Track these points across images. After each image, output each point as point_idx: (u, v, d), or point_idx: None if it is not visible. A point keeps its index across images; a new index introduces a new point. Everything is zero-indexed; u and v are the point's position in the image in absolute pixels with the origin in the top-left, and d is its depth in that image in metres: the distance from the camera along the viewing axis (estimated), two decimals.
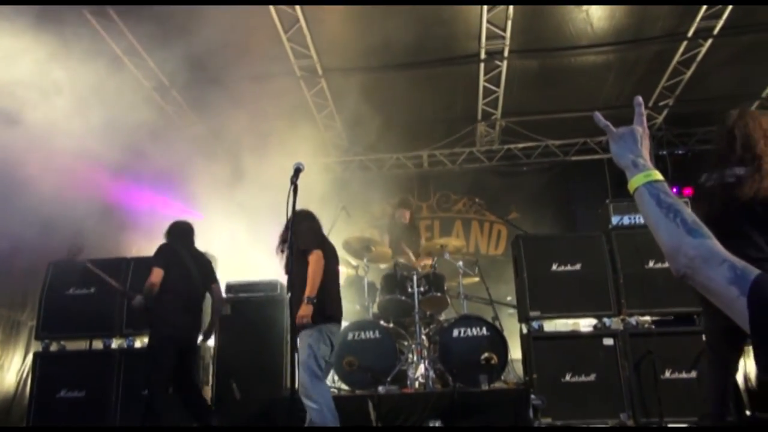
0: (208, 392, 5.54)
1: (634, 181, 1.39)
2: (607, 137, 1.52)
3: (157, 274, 4.56)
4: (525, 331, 5.42)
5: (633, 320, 5.25)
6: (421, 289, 5.77)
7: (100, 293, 5.66)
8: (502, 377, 5.23)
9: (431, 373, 5.37)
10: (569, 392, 5.08)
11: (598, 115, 1.57)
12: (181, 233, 4.99)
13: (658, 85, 7.77)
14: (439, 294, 5.79)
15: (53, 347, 5.73)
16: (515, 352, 5.72)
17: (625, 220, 5.60)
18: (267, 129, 7.31)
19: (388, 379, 5.23)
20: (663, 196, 1.31)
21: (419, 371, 5.51)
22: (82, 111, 5.18)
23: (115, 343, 5.66)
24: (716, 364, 3.39)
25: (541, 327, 5.35)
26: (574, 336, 5.42)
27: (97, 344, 5.71)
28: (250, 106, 7.13)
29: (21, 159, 4.71)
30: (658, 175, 1.37)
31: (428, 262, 6.42)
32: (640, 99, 1.52)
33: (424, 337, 5.64)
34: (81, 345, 5.84)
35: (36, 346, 5.81)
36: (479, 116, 8.39)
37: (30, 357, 6.00)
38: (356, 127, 8.40)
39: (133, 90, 6.56)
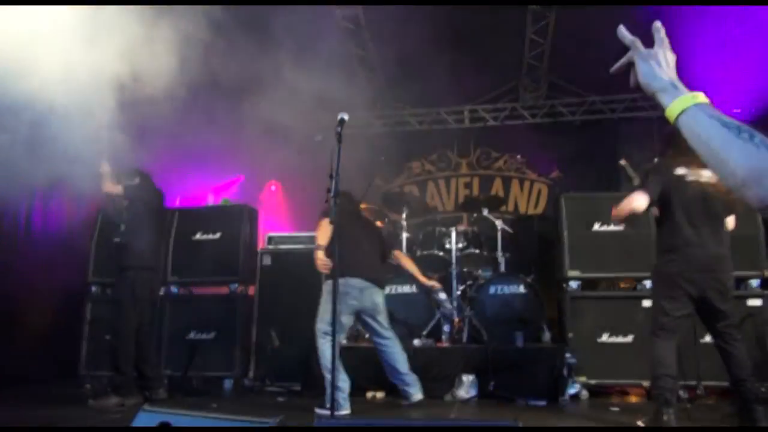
0: (249, 339, 5.72)
1: (680, 103, 1.19)
2: (632, 56, 1.32)
3: None
4: (562, 290, 5.39)
5: None
6: (459, 245, 5.77)
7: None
8: (538, 335, 5.23)
9: (466, 329, 5.41)
10: (605, 352, 5.07)
11: (623, 30, 1.36)
12: None
13: None
14: (477, 251, 5.78)
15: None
16: (552, 311, 5.71)
17: None
18: (306, 82, 7.27)
19: (424, 333, 5.31)
20: (725, 117, 1.12)
21: (455, 327, 5.55)
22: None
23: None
24: None
25: (579, 286, 5.31)
26: (613, 297, 5.37)
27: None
28: (289, 58, 7.08)
29: None
30: (706, 99, 1.18)
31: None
32: (658, 24, 1.32)
33: (460, 293, 5.66)
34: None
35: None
36: (524, 70, 8.15)
37: None
38: (396, 81, 8.27)
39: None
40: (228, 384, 5.53)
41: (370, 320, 4.38)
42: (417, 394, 4.38)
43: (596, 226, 5.41)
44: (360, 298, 4.23)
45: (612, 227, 5.37)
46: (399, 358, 4.42)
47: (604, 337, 5.11)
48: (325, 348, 4.03)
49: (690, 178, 3.57)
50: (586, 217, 5.46)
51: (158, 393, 4.69)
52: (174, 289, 5.85)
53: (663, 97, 1.23)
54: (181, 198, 7.03)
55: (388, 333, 4.45)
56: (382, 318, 4.41)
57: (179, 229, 5.95)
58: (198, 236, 5.91)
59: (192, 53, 4.14)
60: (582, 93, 8.46)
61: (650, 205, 3.56)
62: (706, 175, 3.52)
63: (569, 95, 8.52)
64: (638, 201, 3.51)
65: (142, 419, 1.84)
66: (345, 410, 4.01)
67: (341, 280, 3.83)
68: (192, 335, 5.61)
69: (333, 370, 3.56)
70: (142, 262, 4.66)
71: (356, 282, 4.20)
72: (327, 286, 4.14)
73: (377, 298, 4.37)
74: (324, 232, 4.06)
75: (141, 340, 4.68)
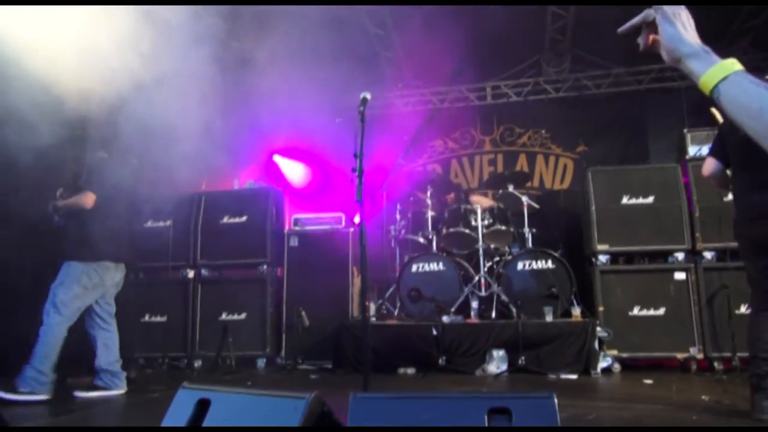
0: (279, 319, 5.79)
1: (719, 70, 1.10)
2: (650, 15, 1.21)
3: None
4: (591, 264, 5.34)
5: (709, 255, 5.07)
6: (485, 222, 5.75)
7: (177, 225, 5.95)
8: (567, 310, 5.20)
9: (495, 305, 5.41)
10: (637, 326, 5.03)
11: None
12: None
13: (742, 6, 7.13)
14: (503, 227, 5.75)
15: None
16: (580, 286, 5.67)
17: (704, 151, 5.30)
18: (325, 62, 7.23)
19: (452, 309, 5.32)
20: None
21: (483, 303, 5.55)
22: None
23: (190, 272, 5.96)
24: None
25: (608, 260, 5.27)
26: (643, 270, 5.30)
27: (174, 273, 6.01)
28: (308, 40, 7.04)
29: None
30: (741, 66, 1.10)
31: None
32: None
33: (487, 269, 5.65)
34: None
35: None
36: (547, 44, 8.00)
37: None
38: (417, 60, 8.19)
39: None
40: (261, 363, 5.64)
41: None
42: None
43: (624, 200, 5.34)
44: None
45: (641, 200, 5.30)
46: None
47: (635, 311, 5.07)
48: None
49: None
50: (614, 190, 5.40)
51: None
52: (204, 272, 5.94)
53: (694, 63, 1.13)
54: (207, 183, 7.09)
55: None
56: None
57: (206, 213, 6.03)
58: (225, 220, 5.99)
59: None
60: (607, 65, 8.28)
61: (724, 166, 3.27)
62: None
63: (594, 68, 8.34)
64: (704, 167, 3.36)
65: (182, 396, 1.87)
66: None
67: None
68: (224, 316, 5.71)
69: None
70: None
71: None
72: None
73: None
74: None
75: None
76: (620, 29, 1.28)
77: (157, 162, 6.04)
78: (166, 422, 1.80)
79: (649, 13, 1.21)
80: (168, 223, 6.02)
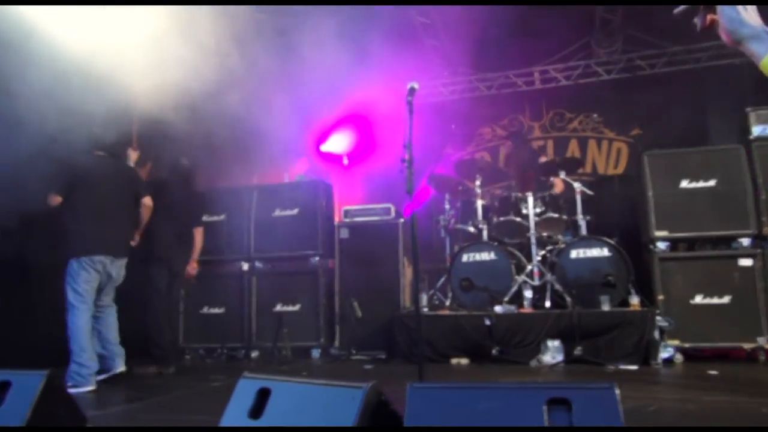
0: (332, 310, 5.87)
1: None
2: None
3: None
4: (650, 251, 5.17)
5: None
6: (537, 210, 5.65)
7: (231, 219, 6.10)
8: (625, 299, 5.06)
9: (549, 294, 5.31)
10: (699, 315, 4.85)
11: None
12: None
13: None
14: (555, 215, 5.63)
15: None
16: (638, 274, 5.50)
17: None
18: (371, 52, 7.23)
19: (505, 299, 5.26)
20: None
21: (536, 292, 5.46)
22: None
23: (245, 265, 6.10)
24: None
25: (668, 247, 5.09)
26: (706, 257, 5.09)
27: (231, 266, 6.19)
28: (352, 31, 7.04)
29: None
30: None
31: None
32: None
33: (540, 258, 5.55)
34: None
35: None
36: (597, 24, 7.75)
37: None
38: (463, 46, 8.08)
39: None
40: (315, 353, 5.74)
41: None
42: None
43: (684, 183, 5.14)
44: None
45: (702, 183, 5.08)
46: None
47: (698, 299, 4.88)
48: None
49: None
50: (672, 174, 5.19)
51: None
52: (258, 264, 6.08)
53: (755, 45, 1.10)
54: (259, 176, 7.24)
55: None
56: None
57: (259, 206, 6.16)
58: (277, 213, 6.09)
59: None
60: (661, 44, 7.96)
61: None
62: None
63: (647, 47, 8.04)
64: None
65: (244, 385, 1.92)
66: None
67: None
68: (278, 307, 5.84)
69: None
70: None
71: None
72: None
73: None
74: None
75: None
76: (675, 11, 1.25)
77: (212, 158, 6.25)
78: (229, 410, 1.86)
79: None
80: (222, 217, 6.18)
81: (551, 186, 6.13)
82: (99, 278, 4.38)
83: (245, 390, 1.89)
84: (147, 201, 4.77)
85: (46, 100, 3.78)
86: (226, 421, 1.85)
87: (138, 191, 4.75)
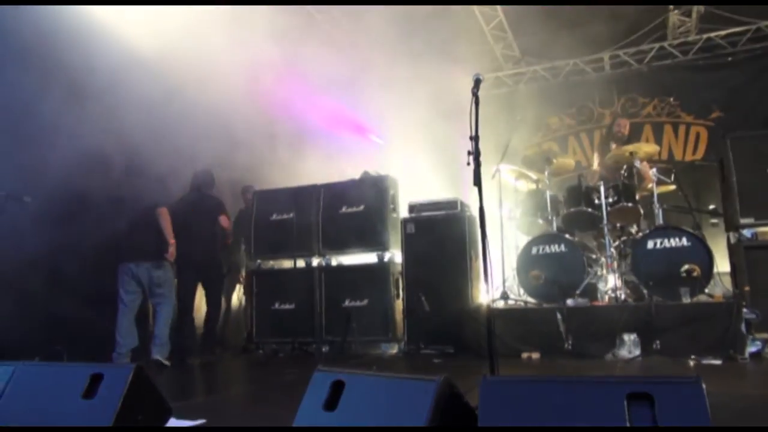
0: (399, 305, 5.90)
1: None
2: None
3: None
4: (734, 240, 4.88)
5: None
6: (610, 200, 5.45)
7: (299, 217, 6.25)
8: (707, 290, 4.81)
9: (623, 287, 5.13)
10: None
11: None
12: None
13: None
14: (629, 204, 5.41)
15: (265, 266, 6.47)
16: (721, 264, 5.21)
17: None
18: (436, 46, 7.19)
19: (577, 292, 5.11)
20: None
21: (609, 284, 5.29)
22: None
23: (314, 262, 6.24)
24: None
25: (754, 235, 4.79)
26: None
27: (300, 263, 6.34)
28: (417, 25, 7.02)
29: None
30: None
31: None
32: None
33: (614, 249, 5.36)
34: (287, 264, 6.51)
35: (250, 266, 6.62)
36: (671, 3, 7.37)
37: None
38: (527, 35, 7.92)
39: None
40: (385, 347, 5.79)
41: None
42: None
43: None
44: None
45: None
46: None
47: None
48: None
49: None
50: (759, 158, 4.87)
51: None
52: (326, 260, 6.20)
53: None
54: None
55: None
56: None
57: (326, 204, 6.26)
58: (344, 209, 6.18)
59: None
60: (744, 20, 7.47)
61: None
62: None
63: (728, 24, 7.57)
64: None
65: (319, 378, 1.97)
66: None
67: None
68: (347, 303, 5.92)
69: None
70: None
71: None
72: None
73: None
74: None
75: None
76: None
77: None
78: (306, 402, 1.91)
79: None
80: (291, 215, 6.34)
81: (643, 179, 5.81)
82: (132, 281, 5.09)
83: (320, 383, 1.93)
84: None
85: None
86: (302, 413, 1.90)
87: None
